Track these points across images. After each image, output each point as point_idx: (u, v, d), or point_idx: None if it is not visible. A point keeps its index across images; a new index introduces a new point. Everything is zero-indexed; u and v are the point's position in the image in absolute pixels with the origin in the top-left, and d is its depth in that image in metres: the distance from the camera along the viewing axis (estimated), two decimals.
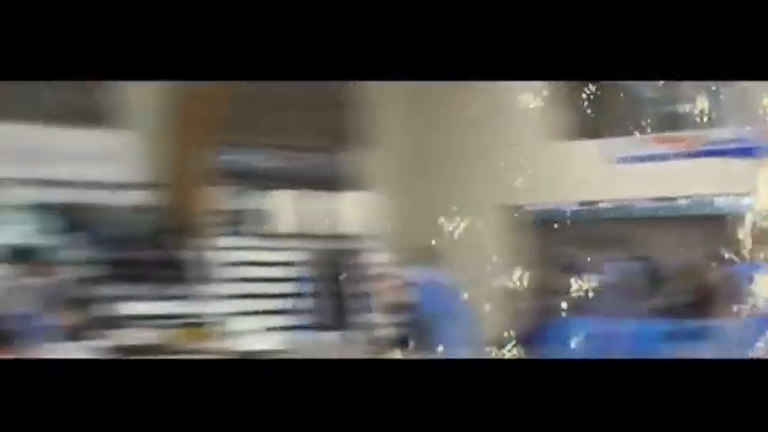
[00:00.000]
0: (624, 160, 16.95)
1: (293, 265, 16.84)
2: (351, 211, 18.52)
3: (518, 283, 14.78)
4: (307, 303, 16.56)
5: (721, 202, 16.02)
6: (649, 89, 16.84)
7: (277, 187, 17.85)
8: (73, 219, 15.94)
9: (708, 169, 15.86)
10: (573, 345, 12.51)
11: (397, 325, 14.06)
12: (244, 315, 15.99)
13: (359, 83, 16.29)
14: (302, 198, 18.09)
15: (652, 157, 16.63)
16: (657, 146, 16.71)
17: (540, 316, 14.17)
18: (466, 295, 12.48)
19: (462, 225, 13.68)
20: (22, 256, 14.06)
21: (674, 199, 16.95)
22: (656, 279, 15.90)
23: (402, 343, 12.72)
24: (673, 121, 17.01)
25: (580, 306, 13.44)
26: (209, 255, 16.29)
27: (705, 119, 13.75)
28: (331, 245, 17.15)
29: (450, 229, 14.96)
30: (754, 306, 10.10)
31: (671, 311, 14.98)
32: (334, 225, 18.14)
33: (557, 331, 13.54)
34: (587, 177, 16.98)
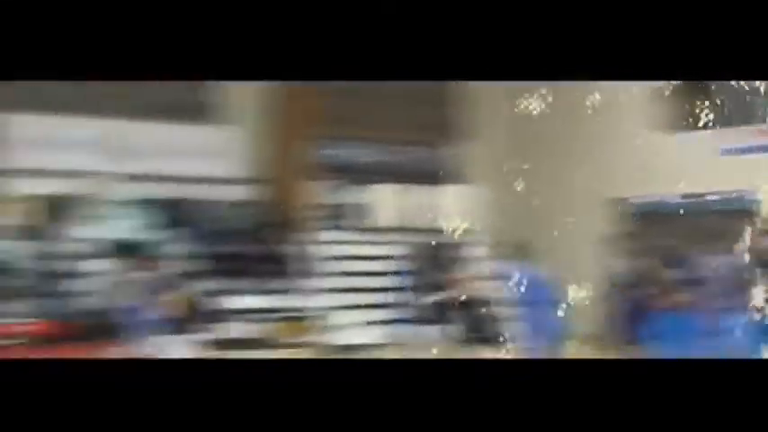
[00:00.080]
0: (729, 152, 16.67)
1: (393, 259, 16.87)
2: (451, 205, 18.52)
3: (619, 277, 14.66)
4: (407, 297, 16.60)
5: None
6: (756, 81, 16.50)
7: (378, 181, 17.92)
8: (177, 213, 16.22)
9: None
10: (674, 340, 12.34)
11: (494, 319, 14.04)
12: (344, 309, 16.09)
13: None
14: (403, 192, 18.14)
15: (757, 149, 16.35)
16: (763, 138, 16.40)
17: (641, 310, 13.99)
18: (564, 289, 12.40)
19: (564, 219, 13.64)
20: (128, 250, 14.36)
21: None
22: (761, 273, 15.57)
23: (496, 337, 12.71)
24: None
25: (683, 300, 13.28)
26: (311, 249, 16.42)
27: None
28: (431, 238, 17.16)
29: (552, 222, 14.91)
30: None
31: None
32: (434, 219, 18.16)
33: (658, 326, 13.36)
34: (692, 169, 16.71)
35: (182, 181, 16.34)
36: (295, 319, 15.66)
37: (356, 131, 17.41)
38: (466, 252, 17.70)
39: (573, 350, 10.87)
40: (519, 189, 17.46)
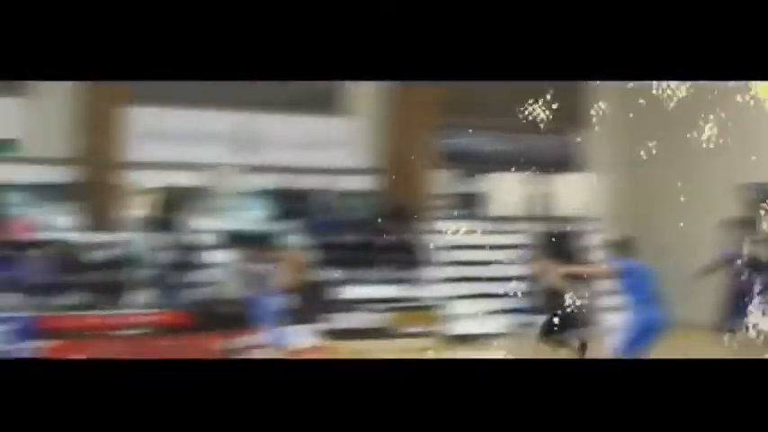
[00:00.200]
0: None
1: (515, 248, 16.78)
2: (573, 195, 18.37)
3: (741, 272, 14.37)
4: (527, 287, 16.50)
5: None
6: None
7: (499, 170, 17.85)
8: (300, 204, 16.48)
9: None
10: None
11: (603, 310, 13.88)
12: (464, 299, 16.09)
13: None
14: (524, 180, 18.05)
15: None
16: None
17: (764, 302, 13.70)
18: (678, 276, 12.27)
19: (683, 209, 13.40)
20: (251, 241, 14.56)
21: None
22: None
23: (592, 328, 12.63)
24: None
25: None
26: (431, 238, 16.50)
27: None
28: (552, 227, 17.06)
29: (671, 213, 14.66)
30: None
31: None
32: (555, 207, 18.08)
33: None
34: None
35: (305, 172, 16.61)
36: (416, 308, 15.75)
37: (478, 120, 17.37)
38: (587, 240, 17.57)
39: (680, 339, 10.77)
40: (639, 177, 17.29)
